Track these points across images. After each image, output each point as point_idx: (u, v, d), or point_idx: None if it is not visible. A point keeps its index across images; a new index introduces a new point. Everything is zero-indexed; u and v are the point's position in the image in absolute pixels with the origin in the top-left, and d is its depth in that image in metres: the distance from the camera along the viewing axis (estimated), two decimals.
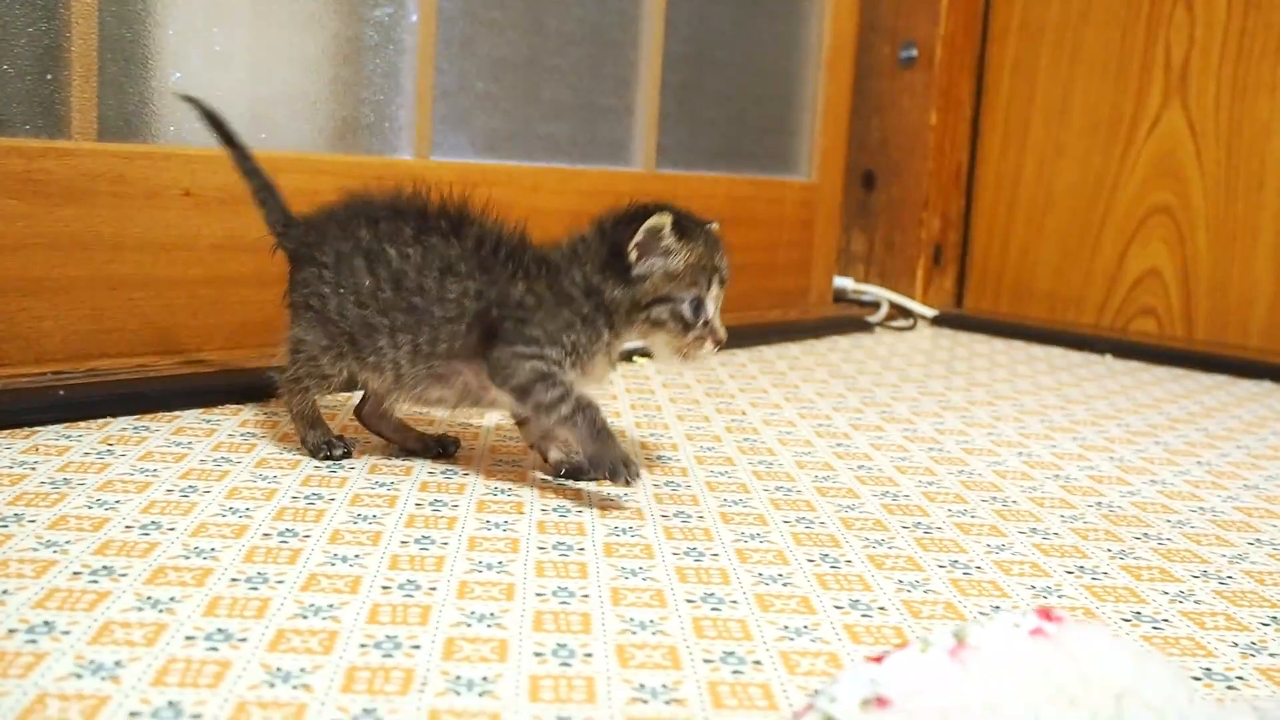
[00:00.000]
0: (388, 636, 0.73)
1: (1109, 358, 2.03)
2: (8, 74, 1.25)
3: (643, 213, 1.04)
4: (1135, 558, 0.98)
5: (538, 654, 0.72)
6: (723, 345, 1.06)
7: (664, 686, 0.69)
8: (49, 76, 1.28)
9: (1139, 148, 2.14)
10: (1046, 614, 0.55)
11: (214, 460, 1.07)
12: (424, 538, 0.91)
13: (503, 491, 1.04)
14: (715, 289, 1.05)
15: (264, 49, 1.46)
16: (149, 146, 1.35)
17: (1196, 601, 0.89)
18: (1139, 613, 0.85)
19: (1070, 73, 2.21)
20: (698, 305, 1.03)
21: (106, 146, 1.31)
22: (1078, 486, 1.19)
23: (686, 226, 1.04)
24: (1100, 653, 0.52)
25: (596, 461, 1.01)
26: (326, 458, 1.10)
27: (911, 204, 2.30)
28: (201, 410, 1.24)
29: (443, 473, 1.09)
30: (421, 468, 1.10)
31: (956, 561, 0.94)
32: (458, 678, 0.68)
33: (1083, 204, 2.21)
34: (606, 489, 1.06)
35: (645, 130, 1.92)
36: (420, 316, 1.04)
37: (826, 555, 0.93)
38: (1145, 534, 1.04)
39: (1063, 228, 2.24)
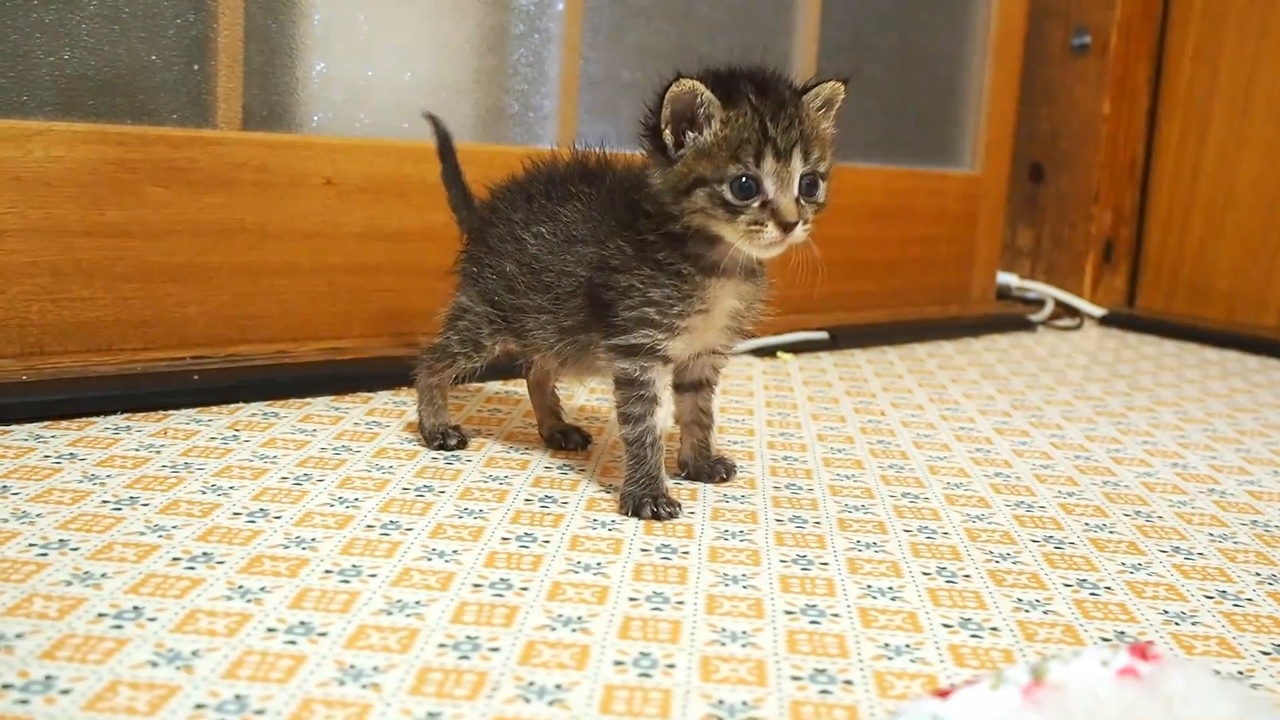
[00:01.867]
0: (468, 637, 0.71)
1: None
2: (155, 64, 1.28)
3: (709, 74, 0.92)
4: None
5: (618, 662, 0.69)
6: (792, 228, 0.89)
7: (744, 704, 0.65)
8: (195, 67, 1.31)
9: None
10: (1141, 652, 0.50)
11: (334, 449, 1.08)
12: (526, 534, 0.89)
13: (615, 489, 1.02)
14: (771, 162, 0.88)
15: (408, 38, 1.47)
16: (292, 136, 1.37)
17: None
18: None
19: (1256, 59, 2.08)
20: (742, 183, 0.88)
21: (251, 135, 1.33)
22: (1233, 503, 1.11)
23: (732, 88, 0.90)
24: (1199, 698, 0.47)
25: (627, 499, 0.96)
26: (441, 447, 1.10)
27: (1081, 198, 2.20)
28: (333, 397, 1.26)
29: (559, 468, 1.08)
30: (539, 461, 1.09)
31: (1085, 580, 0.88)
32: (530, 684, 0.66)
33: (1266, 199, 2.08)
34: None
35: None
36: (553, 294, 1.01)
37: (944, 568, 0.89)
38: None
39: (1245, 224, 2.11)
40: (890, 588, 0.84)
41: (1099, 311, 2.18)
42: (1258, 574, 0.93)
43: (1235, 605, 0.86)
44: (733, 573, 0.85)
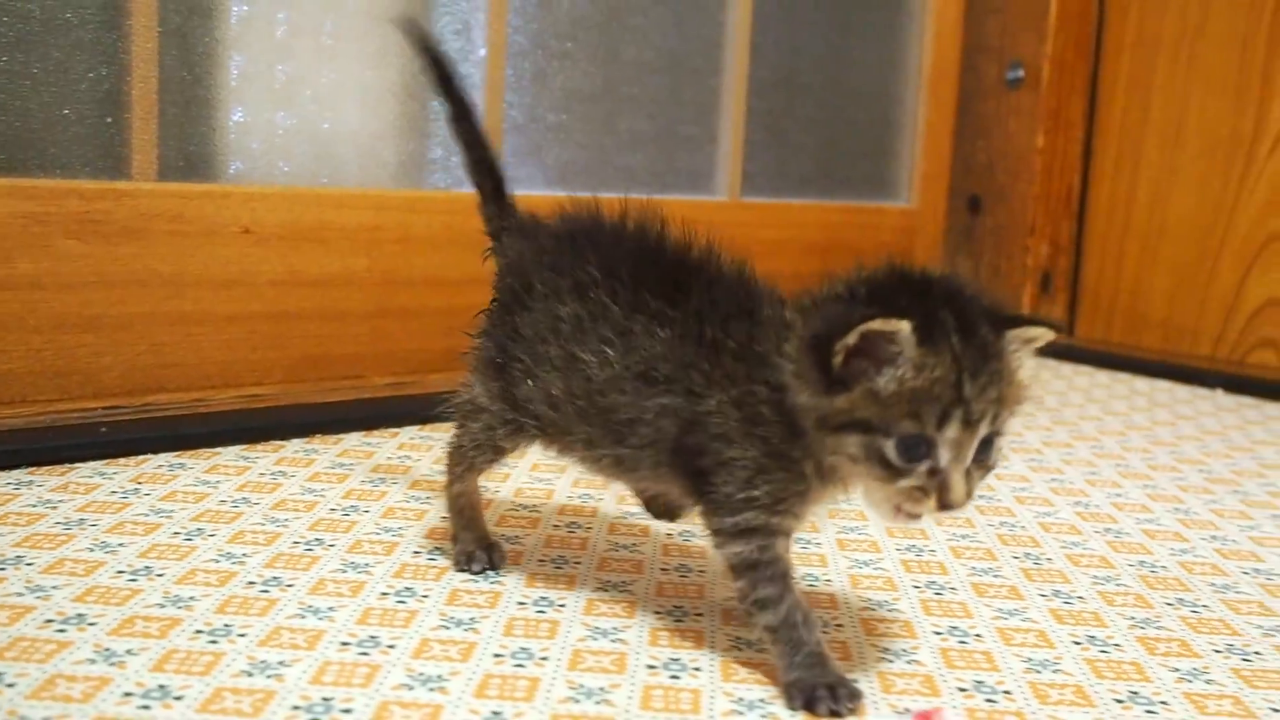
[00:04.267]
0: (323, 699, 0.72)
1: (1220, 393, 1.92)
2: (68, 118, 1.29)
3: (901, 283, 0.74)
4: (1197, 607, 0.92)
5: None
6: (953, 509, 0.71)
7: None
8: (109, 119, 1.32)
9: (1259, 170, 2.02)
10: (927, 718, 0.51)
11: (233, 501, 1.09)
12: (406, 589, 0.90)
13: (628, 546, 1.03)
14: (956, 429, 0.70)
15: (328, 86, 1.48)
16: (208, 186, 1.38)
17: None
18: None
19: (1186, 91, 2.11)
20: (913, 446, 0.70)
21: (166, 186, 1.34)
22: (1125, 542, 1.12)
23: (936, 330, 0.70)
24: None
25: (794, 689, 0.75)
26: (464, 570, 0.95)
27: (1017, 229, 2.22)
28: (244, 447, 1.26)
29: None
30: (437, 512, 1.10)
31: (955, 629, 0.90)
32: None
33: (1199, 229, 2.10)
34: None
35: (729, 158, 1.89)
36: (618, 436, 0.82)
37: (883, 601, 0.90)
38: (1180, 598, 0.98)
39: (1178, 254, 2.14)
40: (905, 649, 0.85)
41: None
42: (1174, 600, 0.94)
43: (1146, 629, 0.87)
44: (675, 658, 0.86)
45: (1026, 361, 0.75)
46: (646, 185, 1.80)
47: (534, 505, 1.13)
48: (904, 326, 0.69)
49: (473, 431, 0.92)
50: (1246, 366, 2.04)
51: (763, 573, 0.77)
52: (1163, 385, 1.96)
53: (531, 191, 1.66)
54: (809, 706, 0.74)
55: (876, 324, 0.68)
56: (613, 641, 0.83)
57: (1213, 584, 1.02)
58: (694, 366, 0.78)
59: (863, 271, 0.76)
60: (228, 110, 1.41)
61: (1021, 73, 2.19)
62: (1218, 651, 0.88)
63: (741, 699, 0.76)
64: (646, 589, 0.94)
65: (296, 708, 0.71)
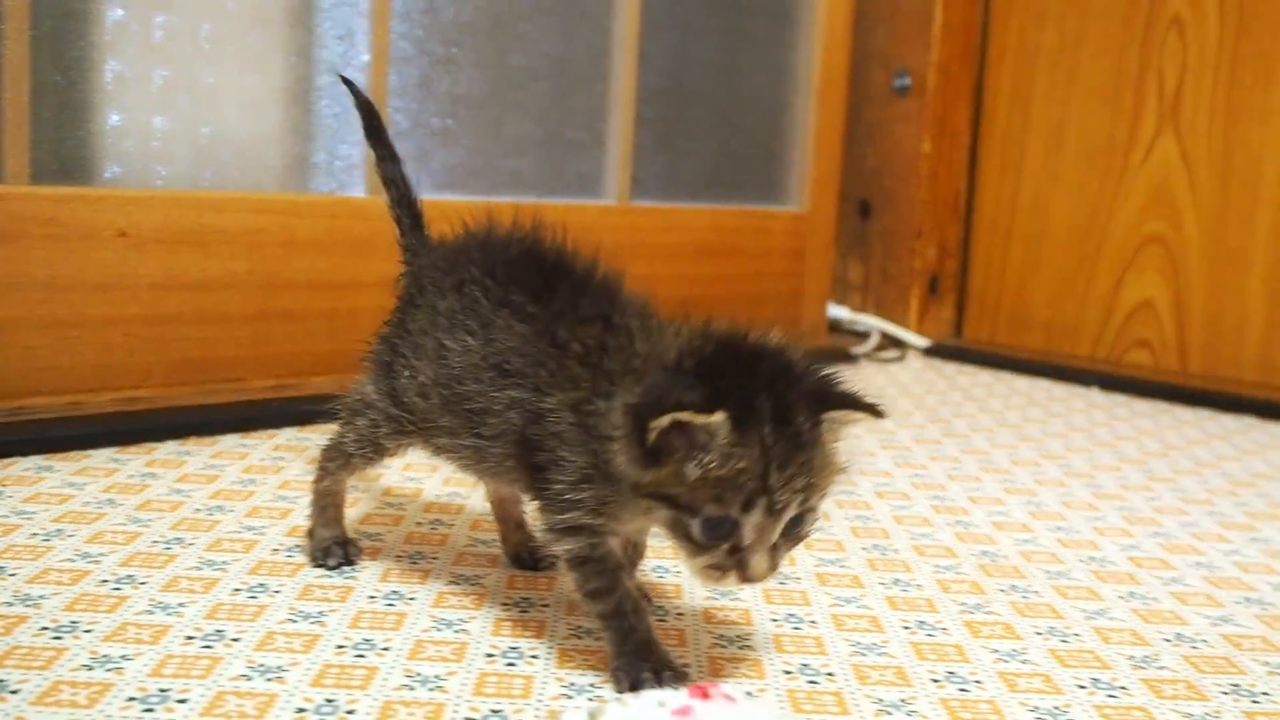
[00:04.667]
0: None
1: (1095, 391, 1.99)
2: None
3: (729, 358, 0.73)
4: (1027, 593, 0.96)
5: None
6: (754, 584, 0.74)
7: None
8: None
9: (1133, 176, 2.09)
10: (702, 691, 0.54)
11: (96, 504, 1.10)
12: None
13: (486, 542, 1.05)
14: (760, 515, 0.71)
15: (207, 91, 1.49)
16: (83, 189, 1.39)
17: (1071, 639, 0.87)
18: (1014, 650, 0.84)
19: (1066, 99, 2.18)
20: (717, 526, 0.71)
21: (39, 189, 1.35)
22: (970, 533, 1.17)
23: (748, 420, 0.70)
24: None
25: (621, 672, 0.77)
26: (320, 565, 0.97)
27: (905, 233, 2.27)
28: (117, 449, 1.27)
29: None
30: (300, 514, 1.11)
31: (792, 616, 0.93)
32: None
33: (1078, 233, 2.17)
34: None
35: (618, 163, 1.92)
36: (473, 426, 0.84)
37: (793, 615, 0.93)
38: (1060, 571, 1.02)
39: (1059, 257, 2.20)
40: (740, 635, 0.88)
41: (924, 343, 2.25)
42: (1006, 587, 0.98)
43: (972, 615, 0.91)
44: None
45: (845, 437, 0.76)
46: (534, 189, 1.82)
47: (401, 503, 1.16)
48: (715, 419, 0.69)
49: (358, 428, 0.94)
50: (1122, 366, 2.10)
51: (593, 567, 0.79)
52: (1042, 384, 2.02)
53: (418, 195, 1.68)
54: (635, 688, 0.75)
55: (687, 415, 0.69)
56: (456, 632, 0.86)
57: (1047, 571, 1.07)
58: (542, 364, 0.80)
59: (696, 338, 0.76)
60: (103, 114, 1.41)
61: (908, 80, 2.24)
62: (1039, 634, 0.92)
63: (572, 684, 0.78)
64: (498, 582, 0.96)
65: (132, 699, 0.72)
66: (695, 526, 0.71)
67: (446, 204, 1.68)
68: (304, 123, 1.59)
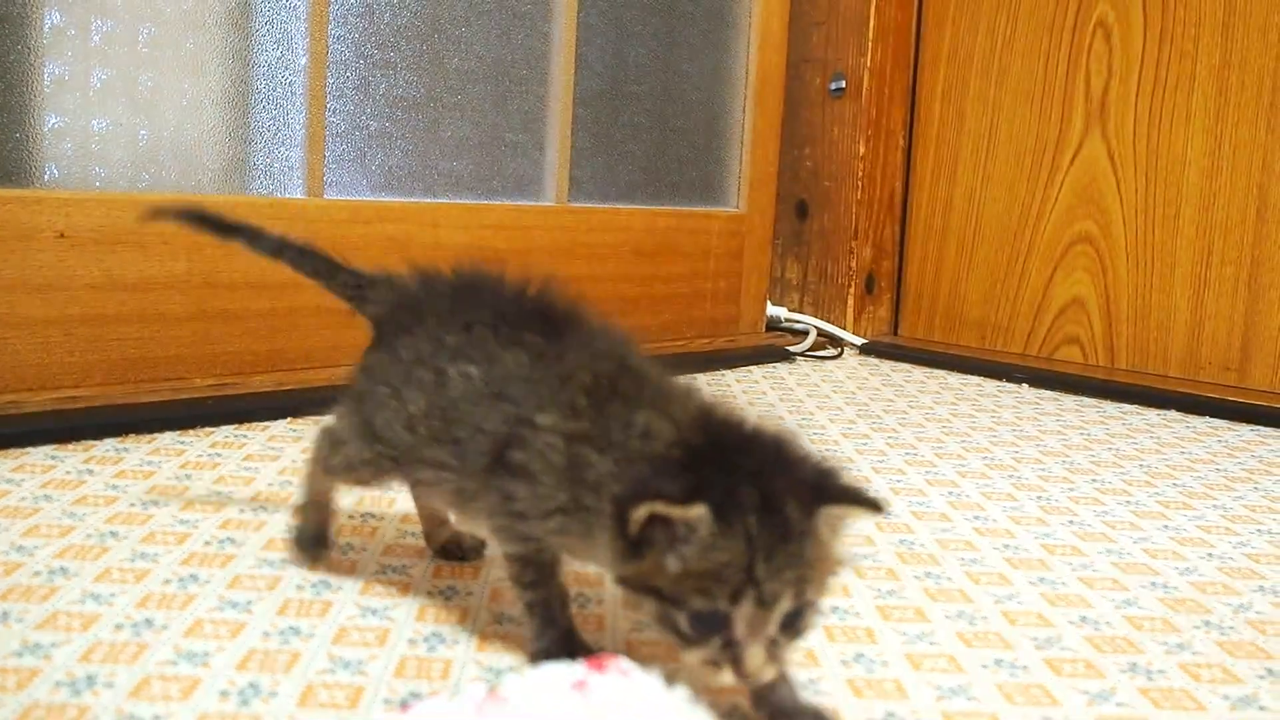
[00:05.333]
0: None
1: (1025, 387, 2.03)
2: None
3: (718, 445, 0.72)
4: (940, 580, 1.00)
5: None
6: (752, 680, 0.69)
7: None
8: None
9: (1062, 177, 2.15)
10: (599, 664, 0.57)
11: (34, 499, 1.11)
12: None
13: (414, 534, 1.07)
14: (750, 607, 0.67)
15: (146, 93, 1.51)
16: (20, 190, 1.40)
17: (980, 618, 0.90)
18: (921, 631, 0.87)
19: (997, 101, 2.23)
20: (706, 620, 0.67)
21: None
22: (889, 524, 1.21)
23: (732, 511, 0.67)
24: (629, 706, 0.54)
25: (538, 657, 0.80)
26: (295, 558, 0.99)
27: (842, 233, 2.32)
28: (54, 446, 1.29)
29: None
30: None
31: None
32: None
33: (1009, 232, 2.22)
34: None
35: (557, 165, 1.95)
36: (461, 453, 0.82)
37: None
38: (976, 558, 1.06)
39: (991, 256, 2.25)
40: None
41: (860, 341, 2.29)
42: (922, 572, 1.02)
43: (883, 600, 0.94)
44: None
45: (844, 533, 0.72)
46: (472, 190, 1.85)
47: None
48: (694, 512, 0.67)
49: (332, 467, 0.93)
50: (1054, 362, 2.15)
51: (533, 566, 0.80)
52: (974, 381, 2.07)
53: (356, 197, 1.71)
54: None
55: (663, 508, 0.67)
56: (380, 619, 0.88)
57: (961, 558, 1.10)
58: (544, 383, 0.79)
59: (689, 424, 0.74)
60: (41, 116, 1.43)
61: (843, 83, 2.28)
62: (948, 618, 0.96)
63: (490, 667, 0.81)
64: (424, 572, 0.99)
65: (59, 683, 0.75)
66: (682, 620, 0.68)
67: (383, 205, 1.72)
68: (242, 125, 1.61)
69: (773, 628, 0.68)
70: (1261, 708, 0.82)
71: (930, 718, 0.78)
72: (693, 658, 0.68)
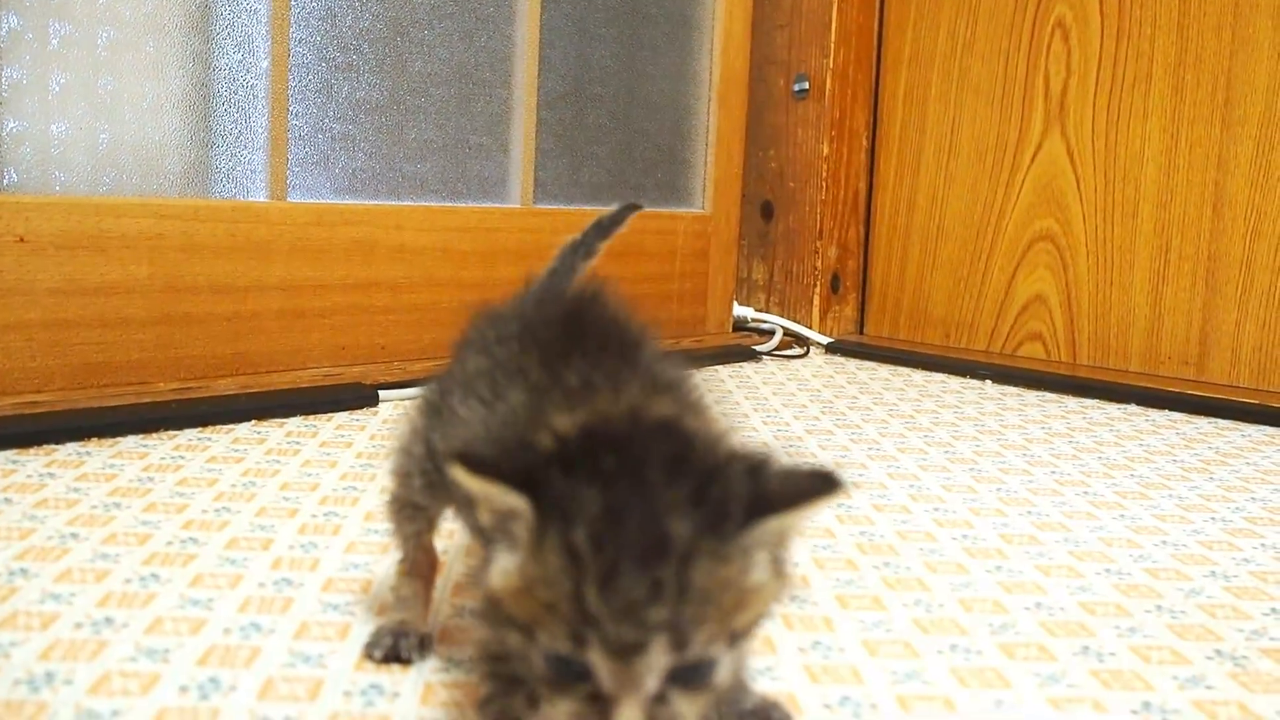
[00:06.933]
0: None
1: (989, 383, 2.05)
2: None
3: (613, 437, 0.55)
4: (899, 570, 1.01)
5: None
6: None
7: None
8: None
9: (1023, 175, 2.17)
10: None
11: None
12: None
13: (378, 531, 1.07)
14: (600, 653, 0.50)
15: (105, 97, 1.51)
16: None
17: (937, 607, 0.92)
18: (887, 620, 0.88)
19: (959, 102, 2.25)
20: (561, 665, 0.51)
21: None
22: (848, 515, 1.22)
23: (556, 512, 0.51)
24: None
25: (370, 639, 0.82)
26: (384, 659, 0.81)
27: (806, 233, 2.33)
28: (15, 451, 1.28)
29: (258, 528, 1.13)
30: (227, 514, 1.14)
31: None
32: None
33: (972, 231, 2.24)
34: None
35: (522, 167, 1.96)
36: None
37: None
38: (933, 549, 1.07)
39: (954, 255, 2.27)
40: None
41: (826, 340, 2.31)
42: (881, 562, 1.03)
43: (843, 588, 0.95)
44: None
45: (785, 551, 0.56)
46: (437, 192, 1.85)
47: (296, 497, 1.18)
48: (519, 502, 0.52)
49: (399, 479, 0.82)
50: (1017, 359, 2.17)
51: (405, 509, 0.82)
52: (939, 378, 2.08)
53: (320, 200, 1.71)
54: (386, 659, 0.81)
55: (482, 480, 0.53)
56: (342, 614, 0.89)
57: (920, 549, 1.12)
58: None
59: (604, 403, 0.60)
60: (0, 121, 1.43)
61: (807, 85, 2.30)
62: (904, 606, 0.97)
63: (450, 658, 0.82)
64: (388, 569, 0.99)
65: (18, 681, 0.75)
66: (536, 657, 0.52)
67: (347, 208, 1.72)
68: (204, 129, 1.61)
69: (652, 682, 0.50)
70: (1209, 687, 0.83)
71: (885, 702, 0.79)
72: (555, 710, 0.52)
